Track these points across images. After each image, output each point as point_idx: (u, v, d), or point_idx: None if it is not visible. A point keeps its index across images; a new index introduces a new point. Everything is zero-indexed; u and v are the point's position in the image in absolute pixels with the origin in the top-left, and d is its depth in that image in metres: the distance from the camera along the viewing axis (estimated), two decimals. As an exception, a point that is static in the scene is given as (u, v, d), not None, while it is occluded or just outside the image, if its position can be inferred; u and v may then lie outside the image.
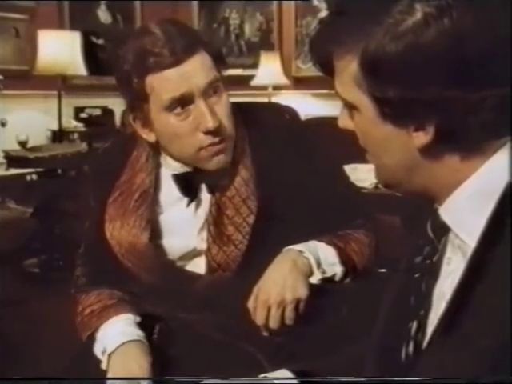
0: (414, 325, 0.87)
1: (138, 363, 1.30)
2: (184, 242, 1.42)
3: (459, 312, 0.76)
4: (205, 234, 1.39)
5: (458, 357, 0.74)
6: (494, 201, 0.77)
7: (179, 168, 1.40)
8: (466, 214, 0.81)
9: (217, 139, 1.31)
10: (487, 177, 0.79)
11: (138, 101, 1.32)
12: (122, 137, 1.55)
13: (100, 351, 1.35)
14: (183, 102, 1.29)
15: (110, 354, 1.33)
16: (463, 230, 0.81)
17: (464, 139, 0.78)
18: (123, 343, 1.33)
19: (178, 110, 1.29)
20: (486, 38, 0.74)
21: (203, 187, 1.39)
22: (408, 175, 0.84)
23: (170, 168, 1.41)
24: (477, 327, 0.73)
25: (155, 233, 1.41)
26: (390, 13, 0.76)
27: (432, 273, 0.88)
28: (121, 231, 1.41)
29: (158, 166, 1.43)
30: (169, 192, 1.42)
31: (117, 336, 1.34)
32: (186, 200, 1.40)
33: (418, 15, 0.75)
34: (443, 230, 0.86)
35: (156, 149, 1.41)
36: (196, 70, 1.29)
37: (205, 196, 1.40)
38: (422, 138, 0.79)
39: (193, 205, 1.40)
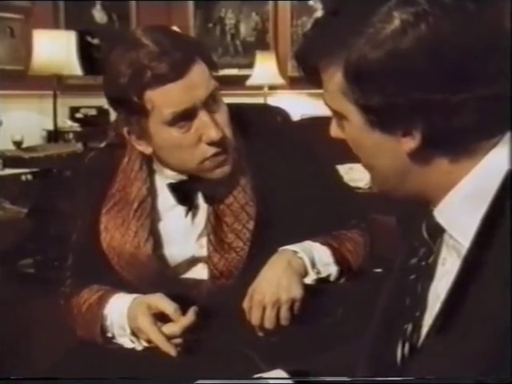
0: (410, 326, 0.88)
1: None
2: (182, 250, 1.40)
3: (453, 312, 0.76)
4: (203, 241, 1.38)
5: (451, 357, 0.75)
6: (488, 202, 0.77)
7: (175, 176, 1.38)
8: (460, 215, 0.81)
9: (220, 149, 1.29)
10: (480, 178, 0.80)
11: (135, 116, 1.28)
12: (109, 145, 1.52)
13: (119, 324, 1.35)
14: (186, 115, 1.26)
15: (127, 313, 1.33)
16: (457, 231, 0.82)
17: (451, 142, 0.80)
18: (134, 299, 1.34)
19: (181, 123, 1.27)
20: (463, 41, 0.76)
21: (199, 195, 1.38)
22: (401, 180, 0.85)
23: (163, 176, 1.39)
24: (471, 328, 0.74)
25: (157, 243, 1.39)
26: (369, 22, 0.78)
27: (427, 274, 0.88)
28: (121, 242, 1.38)
29: (151, 172, 1.41)
30: (165, 200, 1.40)
31: (124, 302, 1.35)
32: (181, 207, 1.38)
33: (396, 22, 0.76)
34: (438, 232, 0.86)
35: (149, 157, 1.39)
36: (197, 83, 1.26)
37: (202, 203, 1.38)
38: (410, 143, 0.80)
39: (190, 213, 1.39)
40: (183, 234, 1.40)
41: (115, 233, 1.39)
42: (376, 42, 0.77)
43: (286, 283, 1.27)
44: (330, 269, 1.35)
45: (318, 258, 1.34)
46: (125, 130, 1.34)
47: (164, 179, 1.39)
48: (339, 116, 0.86)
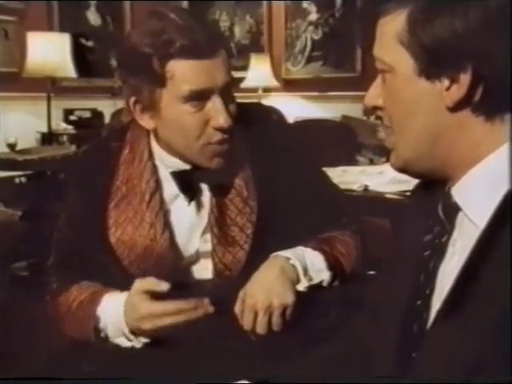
0: (420, 303, 0.87)
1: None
2: (188, 244, 1.40)
3: (464, 293, 0.76)
4: (208, 236, 1.38)
5: (462, 337, 0.75)
6: (508, 184, 0.77)
7: (175, 164, 1.37)
8: (478, 194, 0.81)
9: (225, 136, 1.30)
10: (504, 159, 0.79)
11: (149, 84, 1.27)
12: (101, 139, 1.51)
13: (114, 325, 1.32)
14: (201, 95, 1.27)
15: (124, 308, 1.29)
16: (473, 210, 0.82)
17: (493, 97, 0.79)
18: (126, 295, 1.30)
19: (194, 102, 1.27)
20: None
21: (202, 187, 1.38)
22: (430, 147, 0.84)
23: (164, 164, 1.38)
24: (481, 308, 0.74)
25: (171, 234, 1.38)
26: None
27: (440, 253, 0.88)
28: (134, 235, 1.36)
29: (154, 162, 1.40)
30: (169, 191, 1.39)
31: (117, 302, 1.32)
32: (185, 199, 1.38)
33: None
34: (454, 211, 0.86)
35: (148, 141, 1.38)
36: (219, 67, 1.28)
37: (205, 197, 1.39)
38: (454, 94, 0.80)
39: (194, 206, 1.39)
40: (189, 228, 1.40)
41: (127, 226, 1.37)
42: None
43: (279, 289, 1.27)
44: (323, 275, 1.35)
45: (310, 264, 1.34)
46: (131, 100, 1.32)
47: (166, 168, 1.38)
48: (385, 71, 0.85)
